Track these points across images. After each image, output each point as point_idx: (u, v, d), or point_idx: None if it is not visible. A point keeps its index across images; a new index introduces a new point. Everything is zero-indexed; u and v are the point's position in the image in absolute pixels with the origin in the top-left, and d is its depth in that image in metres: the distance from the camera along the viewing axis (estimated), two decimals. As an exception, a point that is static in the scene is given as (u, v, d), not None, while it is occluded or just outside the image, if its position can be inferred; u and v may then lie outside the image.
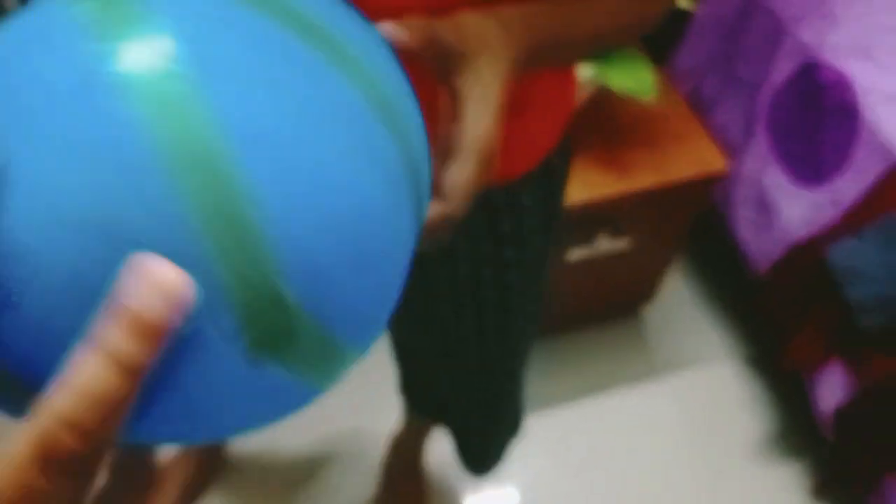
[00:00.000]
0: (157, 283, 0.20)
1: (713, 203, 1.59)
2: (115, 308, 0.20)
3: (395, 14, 0.51)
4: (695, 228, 1.91)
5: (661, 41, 1.74)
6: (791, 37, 1.37)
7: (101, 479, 0.27)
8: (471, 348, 0.88)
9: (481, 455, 1.09)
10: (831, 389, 1.34)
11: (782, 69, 1.39)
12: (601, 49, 0.54)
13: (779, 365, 1.65)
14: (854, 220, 1.26)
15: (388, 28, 0.37)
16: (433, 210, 0.37)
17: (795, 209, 1.37)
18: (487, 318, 0.83)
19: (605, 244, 1.39)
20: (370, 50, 0.28)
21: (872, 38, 1.31)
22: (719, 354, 1.69)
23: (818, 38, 1.33)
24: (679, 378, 1.64)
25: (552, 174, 0.75)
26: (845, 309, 1.27)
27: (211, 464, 1.40)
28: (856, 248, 1.22)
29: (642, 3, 0.56)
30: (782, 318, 1.43)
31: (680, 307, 1.77)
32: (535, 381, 1.61)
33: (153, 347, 0.20)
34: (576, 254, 1.39)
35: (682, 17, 1.71)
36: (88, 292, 0.22)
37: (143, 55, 0.23)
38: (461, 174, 0.38)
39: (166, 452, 1.40)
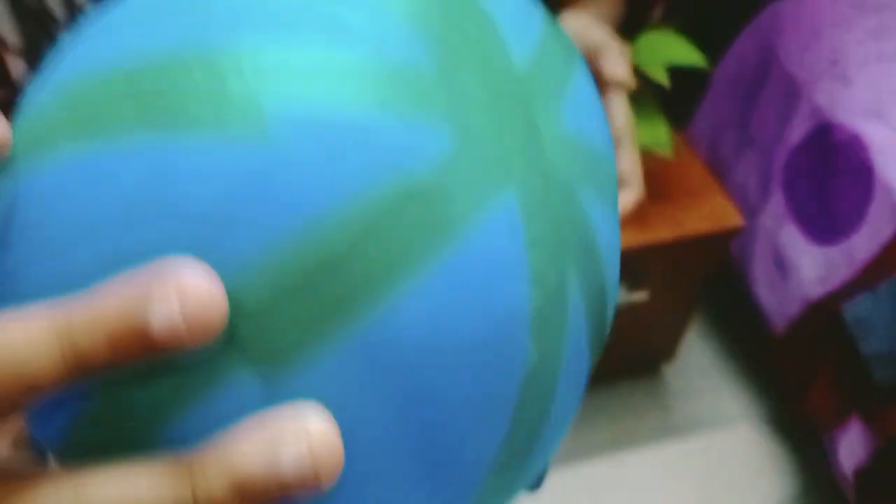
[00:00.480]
0: (179, 287, 0.17)
1: (731, 261, 1.61)
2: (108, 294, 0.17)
3: None
4: (714, 286, 1.92)
5: (679, 102, 1.79)
6: (806, 98, 1.41)
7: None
8: None
9: None
10: (851, 448, 1.32)
11: (797, 130, 1.42)
12: None
13: (798, 427, 1.63)
14: (869, 276, 1.27)
15: None
16: (625, 198, 0.42)
17: (811, 266, 1.39)
18: None
19: (623, 296, 1.41)
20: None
21: (885, 100, 1.34)
22: (739, 414, 1.68)
23: (832, 100, 1.36)
24: (698, 438, 1.63)
25: None
26: (861, 364, 1.27)
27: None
28: (871, 303, 1.23)
29: None
30: (798, 376, 1.43)
31: (700, 366, 1.77)
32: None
33: (122, 358, 0.17)
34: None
35: (700, 79, 1.76)
36: None
37: None
38: (629, 160, 0.42)
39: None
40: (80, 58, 0.22)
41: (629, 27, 1.46)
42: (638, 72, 1.34)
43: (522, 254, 0.22)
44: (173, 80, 0.21)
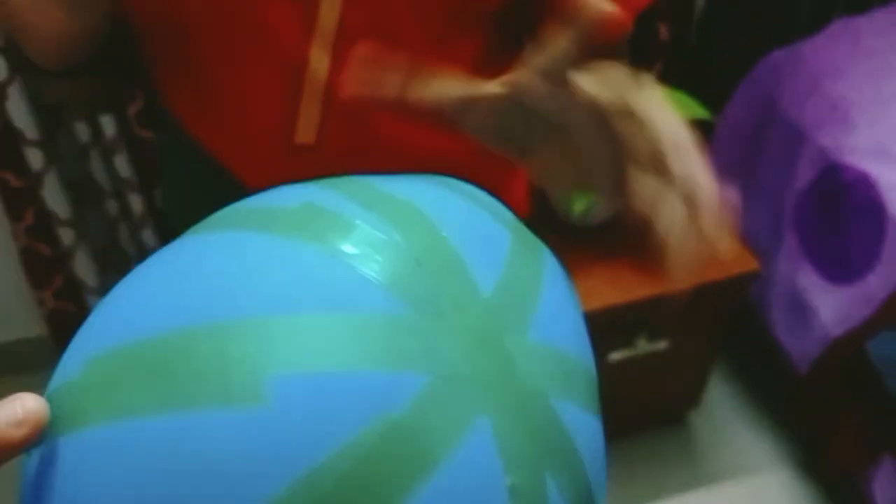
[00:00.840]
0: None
1: (751, 306, 1.62)
2: None
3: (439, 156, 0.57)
4: (735, 332, 1.92)
5: (684, 154, 1.82)
6: (811, 142, 1.44)
7: None
8: None
9: None
10: (886, 488, 1.31)
11: (804, 173, 1.45)
12: None
13: (829, 469, 1.62)
14: (890, 313, 1.28)
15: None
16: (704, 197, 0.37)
17: (830, 307, 1.39)
18: None
19: (644, 346, 1.41)
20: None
21: (890, 139, 1.37)
22: (768, 459, 1.66)
23: (837, 142, 1.39)
24: (729, 488, 1.61)
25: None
26: (890, 401, 1.27)
27: None
28: (895, 340, 1.23)
29: None
30: (826, 417, 1.42)
31: (726, 413, 1.76)
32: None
33: None
34: (616, 356, 1.41)
35: (703, 130, 1.80)
36: None
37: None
38: (696, 166, 0.37)
39: None
40: (104, 333, 0.27)
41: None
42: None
43: (499, 471, 0.25)
44: (184, 357, 0.25)
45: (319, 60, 0.55)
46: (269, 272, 0.26)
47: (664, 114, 0.37)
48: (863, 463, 1.34)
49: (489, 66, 0.61)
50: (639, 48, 1.55)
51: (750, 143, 1.63)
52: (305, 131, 0.58)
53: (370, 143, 0.59)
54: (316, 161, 0.60)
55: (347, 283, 0.26)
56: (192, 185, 0.68)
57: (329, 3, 0.53)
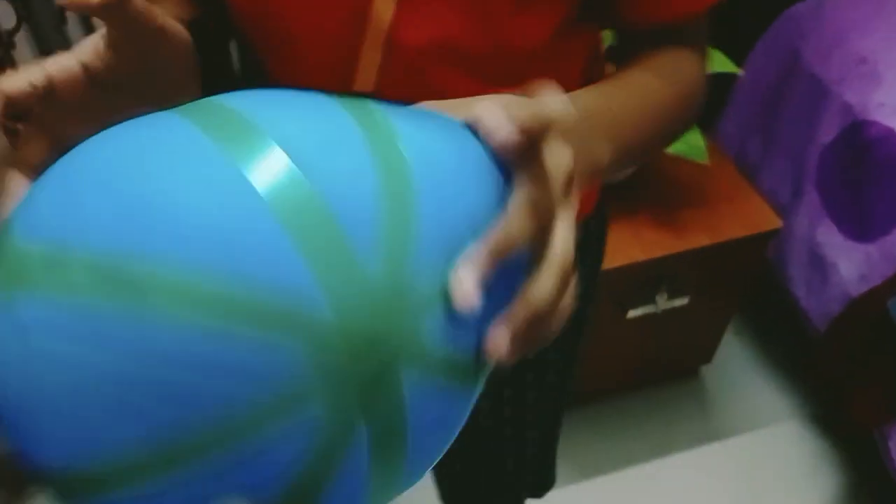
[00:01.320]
0: None
1: (768, 262, 1.61)
2: None
3: None
4: (751, 288, 1.92)
5: (705, 106, 1.79)
6: (835, 98, 1.41)
7: None
8: (506, 430, 0.90)
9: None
10: (902, 444, 1.32)
11: (828, 129, 1.43)
12: (662, 148, 0.58)
13: (844, 424, 1.63)
14: (913, 271, 1.27)
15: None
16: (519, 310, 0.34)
17: (851, 264, 1.39)
18: (528, 396, 0.86)
19: (664, 303, 1.41)
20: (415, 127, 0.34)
21: (917, 96, 1.35)
22: (782, 414, 1.68)
23: (863, 98, 1.37)
24: (741, 440, 1.63)
25: (590, 238, 0.78)
26: (912, 360, 1.27)
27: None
28: (918, 299, 1.23)
29: (689, 100, 0.59)
30: (845, 375, 1.43)
31: (739, 367, 1.77)
32: (591, 446, 1.61)
33: None
34: (636, 313, 1.41)
35: (725, 83, 1.77)
36: None
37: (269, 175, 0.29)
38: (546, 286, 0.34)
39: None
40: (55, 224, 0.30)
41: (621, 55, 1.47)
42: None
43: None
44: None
45: (383, 8, 0.53)
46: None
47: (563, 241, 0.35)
48: (881, 420, 1.35)
49: (569, 35, 0.60)
50: None
51: (771, 97, 1.60)
52: (364, 79, 0.56)
53: (429, 96, 0.58)
54: None
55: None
56: None
57: None
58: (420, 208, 0.31)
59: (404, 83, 0.57)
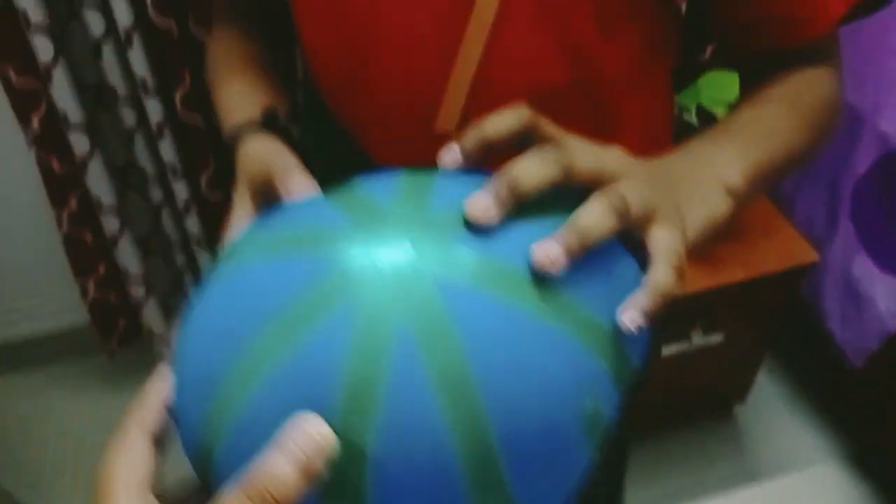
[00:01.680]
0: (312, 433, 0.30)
1: (802, 297, 1.58)
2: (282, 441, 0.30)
3: None
4: (785, 323, 1.88)
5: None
6: (870, 127, 1.40)
7: None
8: None
9: None
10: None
11: (863, 158, 1.41)
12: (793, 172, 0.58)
13: (883, 465, 1.58)
14: (958, 303, 1.24)
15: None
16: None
17: (888, 298, 1.35)
18: None
19: (699, 339, 1.38)
20: (590, 295, 0.36)
21: (954, 125, 1.33)
22: (818, 455, 1.63)
23: (898, 128, 1.35)
24: (777, 482, 1.58)
25: None
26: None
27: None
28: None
29: (824, 119, 0.59)
30: (880, 410, 1.38)
31: (774, 406, 1.72)
32: (627, 485, 1.57)
33: (302, 476, 0.30)
34: (670, 350, 1.38)
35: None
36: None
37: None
38: (655, 272, 0.37)
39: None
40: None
41: (684, 69, 1.47)
42: (703, 111, 1.34)
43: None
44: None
45: (472, 48, 0.53)
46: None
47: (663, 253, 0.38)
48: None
49: (648, 64, 0.59)
50: (691, 30, 1.52)
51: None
52: (446, 119, 0.56)
53: None
54: None
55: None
56: (330, 171, 0.69)
57: None
58: None
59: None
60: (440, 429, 0.31)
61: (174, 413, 0.36)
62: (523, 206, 0.36)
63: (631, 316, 0.35)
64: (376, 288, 0.33)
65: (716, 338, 1.39)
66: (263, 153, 0.49)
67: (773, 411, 1.71)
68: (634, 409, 1.51)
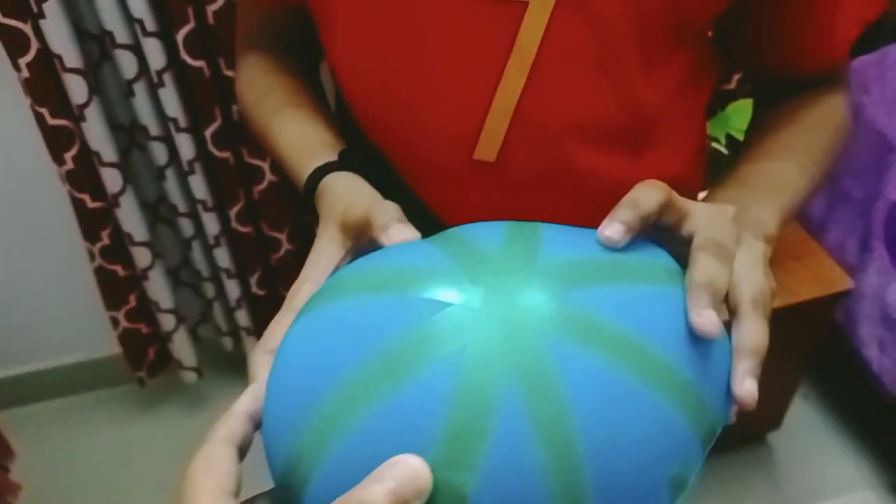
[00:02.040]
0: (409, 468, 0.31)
1: (837, 323, 1.56)
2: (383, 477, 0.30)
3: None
4: (820, 350, 1.86)
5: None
6: (903, 153, 1.38)
7: None
8: None
9: None
10: None
11: (895, 184, 1.39)
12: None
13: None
14: None
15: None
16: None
17: (927, 325, 1.33)
18: None
19: (732, 367, 1.37)
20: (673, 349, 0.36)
21: None
22: (855, 484, 1.60)
23: (932, 154, 1.33)
24: (814, 510, 1.56)
25: None
26: None
27: None
28: None
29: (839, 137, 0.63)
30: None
31: (809, 434, 1.70)
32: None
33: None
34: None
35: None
36: None
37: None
38: (752, 331, 0.39)
39: None
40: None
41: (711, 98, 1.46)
42: (731, 139, 1.33)
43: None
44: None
45: (514, 78, 0.53)
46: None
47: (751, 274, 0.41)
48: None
49: (686, 94, 0.60)
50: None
51: (831, 154, 1.57)
52: (486, 149, 0.56)
53: (553, 169, 0.57)
54: (492, 180, 0.57)
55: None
56: None
57: (532, 21, 0.51)
58: None
59: (530, 156, 0.57)
60: (539, 479, 0.31)
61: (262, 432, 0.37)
62: (624, 267, 0.38)
63: (747, 388, 0.37)
64: (485, 334, 0.33)
65: (749, 367, 1.38)
66: (356, 195, 0.50)
67: (807, 439, 1.69)
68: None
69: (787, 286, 1.34)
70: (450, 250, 0.38)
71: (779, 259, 1.39)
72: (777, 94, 0.65)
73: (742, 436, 1.61)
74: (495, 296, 0.34)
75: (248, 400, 0.39)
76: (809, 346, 1.45)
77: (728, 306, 0.40)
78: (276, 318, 0.44)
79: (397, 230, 0.43)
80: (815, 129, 0.61)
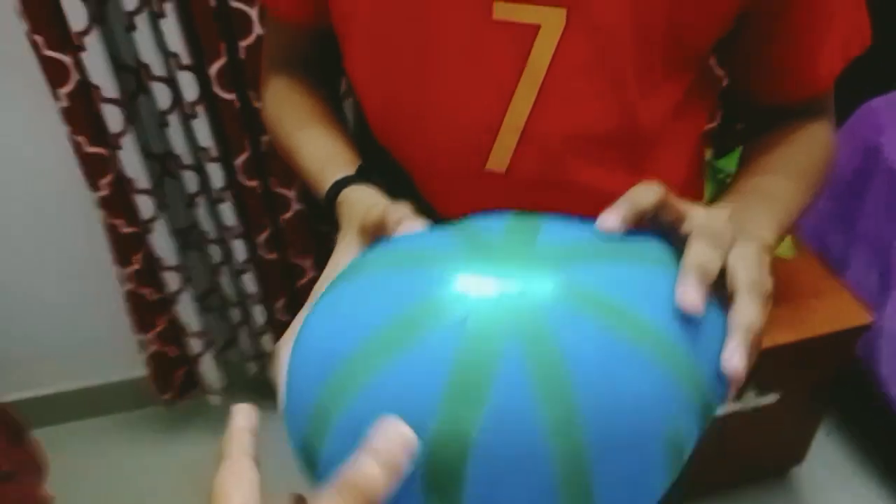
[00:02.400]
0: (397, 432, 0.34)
1: (860, 360, 1.55)
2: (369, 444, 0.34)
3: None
4: (842, 385, 1.84)
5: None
6: (922, 191, 1.38)
7: None
8: None
9: None
10: None
11: (917, 223, 1.39)
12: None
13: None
14: None
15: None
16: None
17: (950, 362, 1.33)
18: None
19: (752, 400, 1.37)
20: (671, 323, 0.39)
21: None
22: (879, 521, 1.58)
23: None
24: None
25: None
26: None
27: None
28: None
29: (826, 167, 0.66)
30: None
31: (832, 470, 1.68)
32: (681, 550, 1.54)
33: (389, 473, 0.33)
34: (723, 410, 1.37)
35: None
36: None
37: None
38: (745, 311, 0.41)
39: None
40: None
41: (727, 136, 1.48)
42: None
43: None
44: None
45: (525, 96, 0.57)
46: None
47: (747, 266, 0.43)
48: None
49: (684, 116, 0.63)
50: (728, 100, 1.53)
51: (849, 193, 1.57)
52: (497, 159, 0.60)
53: (561, 181, 0.60)
54: (503, 190, 0.61)
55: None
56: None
57: (543, 43, 0.55)
58: None
59: (539, 168, 0.60)
60: (539, 428, 0.34)
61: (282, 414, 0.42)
62: (620, 250, 0.41)
63: (735, 363, 0.39)
64: (488, 302, 0.37)
65: (770, 399, 1.38)
66: (374, 201, 0.54)
67: (831, 474, 1.67)
68: (689, 469, 1.49)
69: (808, 322, 1.34)
70: (458, 234, 0.42)
71: (800, 296, 1.40)
72: (765, 124, 0.69)
73: (765, 470, 1.60)
74: (498, 270, 0.38)
75: (243, 417, 0.41)
76: (830, 379, 1.44)
77: (728, 294, 0.43)
78: (300, 314, 0.48)
79: (410, 223, 0.47)
80: (803, 151, 0.65)
